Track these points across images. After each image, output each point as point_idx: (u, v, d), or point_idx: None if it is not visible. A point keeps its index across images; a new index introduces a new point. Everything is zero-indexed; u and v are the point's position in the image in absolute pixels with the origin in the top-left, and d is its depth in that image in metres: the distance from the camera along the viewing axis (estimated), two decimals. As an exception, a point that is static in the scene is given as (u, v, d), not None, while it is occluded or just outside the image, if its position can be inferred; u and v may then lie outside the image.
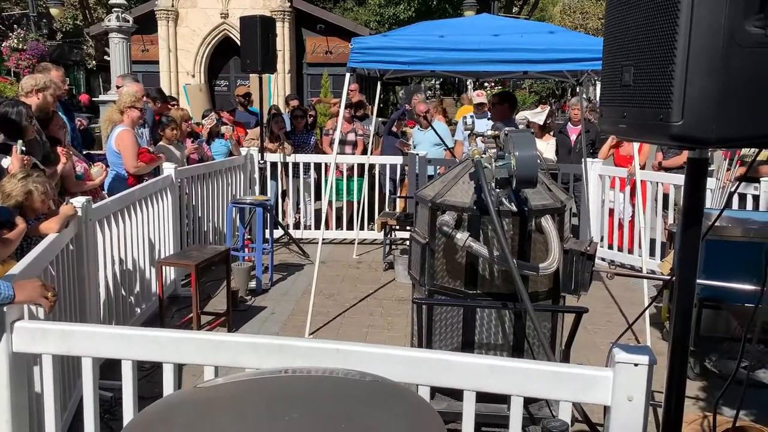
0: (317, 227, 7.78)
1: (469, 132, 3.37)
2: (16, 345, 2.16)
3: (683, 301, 1.59)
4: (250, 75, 11.58)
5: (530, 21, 8.26)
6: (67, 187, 4.65)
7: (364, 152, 8.30)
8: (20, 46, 14.52)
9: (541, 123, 7.79)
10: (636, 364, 1.81)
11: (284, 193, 8.38)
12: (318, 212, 8.16)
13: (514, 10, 26.87)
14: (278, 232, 7.63)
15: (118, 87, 7.49)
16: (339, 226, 8.16)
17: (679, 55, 1.26)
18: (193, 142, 7.19)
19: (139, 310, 5.09)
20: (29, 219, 3.41)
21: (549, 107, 9.35)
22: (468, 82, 21.34)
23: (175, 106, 7.83)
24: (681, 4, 1.25)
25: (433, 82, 29.48)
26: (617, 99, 1.51)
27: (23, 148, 3.86)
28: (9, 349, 2.14)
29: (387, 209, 8.03)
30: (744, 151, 5.52)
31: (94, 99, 13.64)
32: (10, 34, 15.40)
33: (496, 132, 3.12)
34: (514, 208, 3.08)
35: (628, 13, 1.44)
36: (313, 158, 8.33)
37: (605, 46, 1.60)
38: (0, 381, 2.15)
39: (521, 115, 8.25)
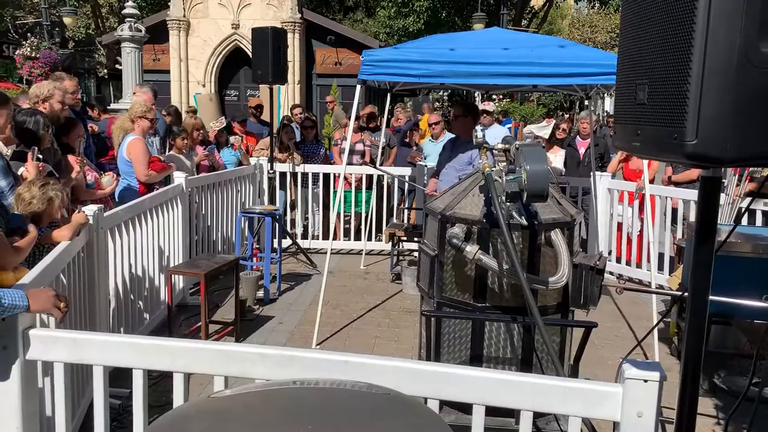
0: (325, 237, 7.80)
1: (479, 145, 3.38)
2: (28, 352, 2.17)
3: (696, 318, 1.59)
4: (260, 86, 11.64)
5: (540, 35, 8.31)
6: (76, 196, 4.68)
7: (372, 162, 8.33)
8: (33, 54, 14.65)
9: (547, 137, 7.82)
10: (646, 380, 1.80)
11: (293, 203, 8.41)
12: (326, 222, 8.18)
13: (523, 23, 26.93)
14: (286, 242, 7.64)
15: (135, 95, 7.57)
16: (347, 236, 8.17)
17: (693, 74, 1.27)
18: (204, 149, 7.23)
19: (147, 318, 5.10)
20: (42, 226, 3.44)
21: (554, 120, 9.41)
22: (476, 94, 21.40)
23: (189, 114, 7.87)
24: (696, 24, 1.26)
25: (441, 94, 29.53)
26: (631, 117, 1.52)
27: (39, 156, 3.90)
28: (21, 357, 2.16)
29: (395, 220, 8.04)
30: (754, 166, 5.50)
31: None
32: (24, 42, 15.54)
33: (507, 145, 3.13)
34: (524, 222, 3.08)
35: (643, 31, 1.45)
36: (322, 168, 8.37)
37: (619, 64, 1.61)
38: (12, 388, 2.16)
39: (527, 130, 8.29)
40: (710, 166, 1.42)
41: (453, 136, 6.34)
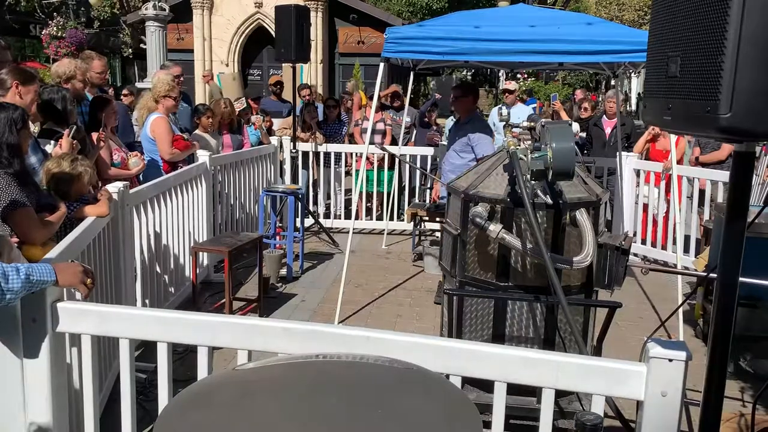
0: (347, 217, 7.81)
1: (504, 123, 3.34)
2: (56, 326, 2.20)
3: (725, 298, 1.56)
4: (283, 64, 11.59)
5: (567, 12, 8.12)
6: (99, 174, 4.71)
7: (393, 142, 8.30)
8: (59, 34, 14.75)
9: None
10: (671, 360, 1.78)
11: (315, 183, 8.43)
12: (348, 202, 8.19)
13: (549, 0, 26.51)
14: (309, 221, 7.67)
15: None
16: (368, 215, 8.17)
17: (729, 45, 1.23)
18: (233, 134, 7.16)
19: (172, 295, 5.17)
20: (71, 202, 3.48)
21: (552, 108, 9.35)
22: (500, 73, 21.15)
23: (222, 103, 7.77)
24: (732, -8, 1.22)
25: (464, 73, 29.19)
26: (662, 90, 1.48)
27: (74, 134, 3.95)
28: (50, 330, 2.19)
29: (417, 200, 8.02)
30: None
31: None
32: (50, 22, 15.65)
33: (532, 123, 3.09)
34: (549, 201, 3.05)
35: (677, 1, 1.41)
36: (344, 148, 8.35)
37: (651, 36, 1.56)
38: (41, 360, 2.19)
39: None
40: (744, 140, 1.38)
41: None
